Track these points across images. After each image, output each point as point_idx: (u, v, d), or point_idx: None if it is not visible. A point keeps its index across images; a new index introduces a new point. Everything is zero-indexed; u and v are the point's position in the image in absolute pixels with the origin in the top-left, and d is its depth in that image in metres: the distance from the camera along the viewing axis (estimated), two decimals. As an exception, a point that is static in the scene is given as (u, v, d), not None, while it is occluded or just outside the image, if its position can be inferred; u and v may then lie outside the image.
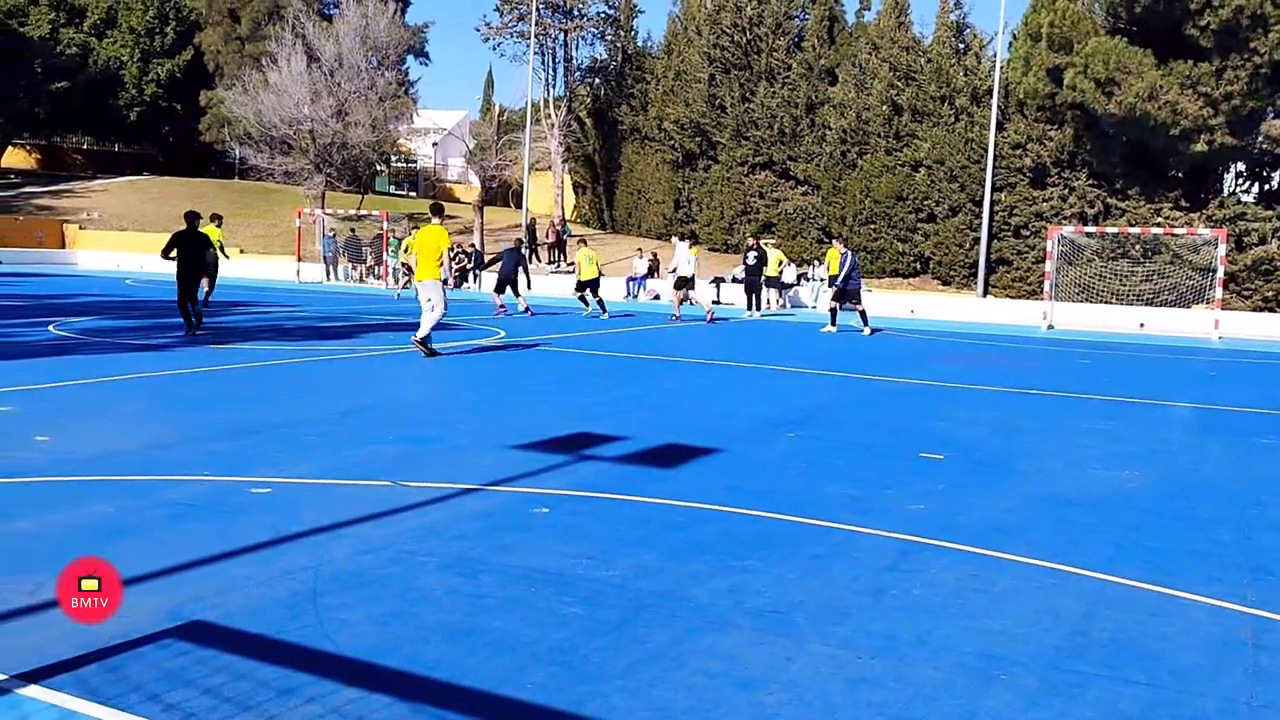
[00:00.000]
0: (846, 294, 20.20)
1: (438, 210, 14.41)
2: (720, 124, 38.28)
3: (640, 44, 45.60)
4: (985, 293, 30.18)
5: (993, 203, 30.11)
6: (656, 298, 30.04)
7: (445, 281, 13.67)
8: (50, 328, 15.13)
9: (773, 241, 31.19)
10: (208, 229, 22.13)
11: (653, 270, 31.54)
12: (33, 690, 3.25)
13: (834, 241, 28.46)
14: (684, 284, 22.35)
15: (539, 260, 38.93)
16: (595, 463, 7.09)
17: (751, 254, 25.52)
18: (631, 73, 43.24)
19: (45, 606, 4.01)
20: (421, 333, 13.31)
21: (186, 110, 54.31)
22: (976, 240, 30.90)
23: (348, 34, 41.78)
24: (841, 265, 20.01)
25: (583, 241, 25.16)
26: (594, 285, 23.03)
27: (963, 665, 3.84)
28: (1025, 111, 30.85)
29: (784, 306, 28.91)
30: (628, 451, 7.47)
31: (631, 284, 30.95)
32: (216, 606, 4.07)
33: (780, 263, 28.29)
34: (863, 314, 20.14)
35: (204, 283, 16.68)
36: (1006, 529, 5.79)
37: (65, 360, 11.67)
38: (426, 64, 78.76)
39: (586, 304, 23.14)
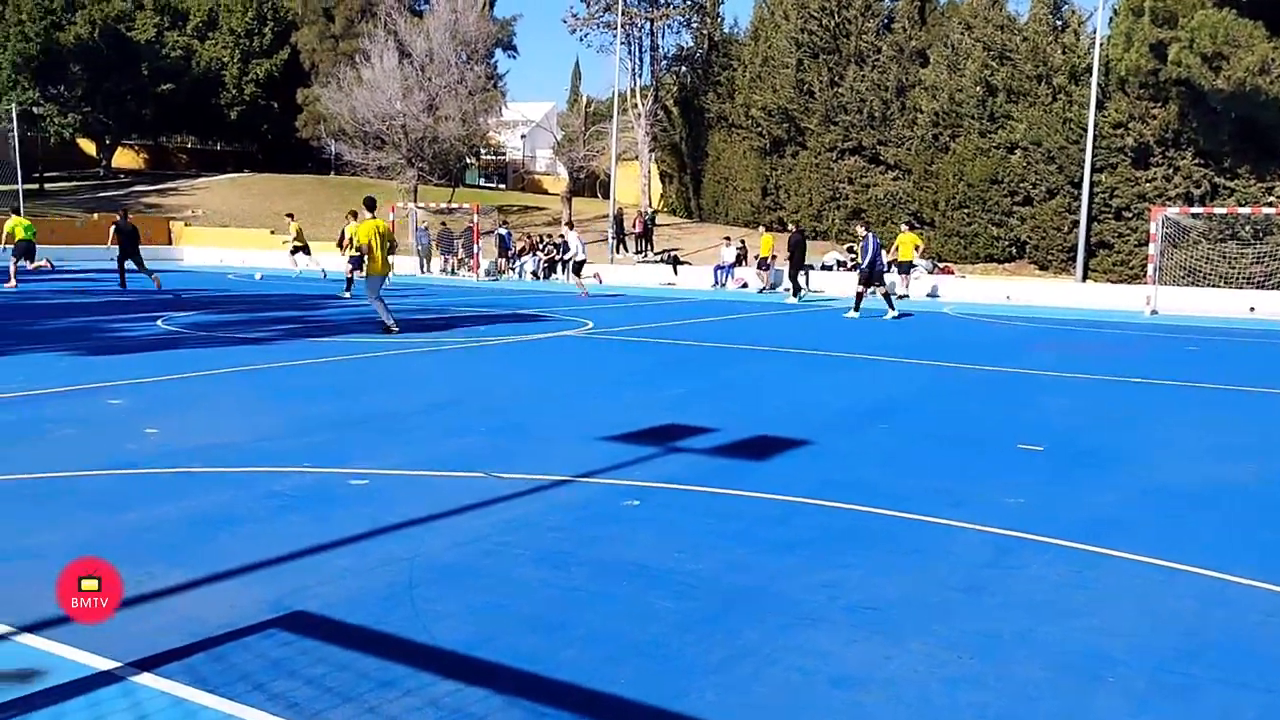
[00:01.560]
0: (874, 277, 20.09)
1: (370, 204, 15.75)
2: (808, 109, 37.82)
3: (726, 31, 45.31)
4: (1085, 277, 29.26)
5: (1092, 184, 29.14)
6: (744, 286, 29.87)
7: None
8: (158, 322, 15.70)
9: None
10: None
11: (740, 258, 31.36)
12: (145, 678, 3.37)
13: (902, 226, 28.04)
14: (579, 267, 25.89)
15: (626, 250, 39.02)
16: (685, 455, 7.08)
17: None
18: (718, 60, 42.99)
19: (156, 596, 4.16)
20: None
21: (284, 108, 55.82)
22: (1075, 223, 29.96)
23: (438, 29, 42.39)
24: (865, 249, 19.93)
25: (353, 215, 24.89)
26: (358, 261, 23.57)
27: (1067, 665, 3.73)
28: (1127, 89, 29.76)
29: (873, 294, 28.43)
30: (718, 443, 7.44)
31: (719, 272, 30.82)
32: (318, 597, 4.17)
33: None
34: (887, 297, 20.10)
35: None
36: (1111, 523, 5.60)
37: (172, 354, 12.09)
38: (514, 57, 79.66)
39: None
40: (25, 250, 24.24)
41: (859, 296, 20.15)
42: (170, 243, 42.07)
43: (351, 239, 21.18)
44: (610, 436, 7.58)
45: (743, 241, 32.70)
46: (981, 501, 6.01)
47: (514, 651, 3.70)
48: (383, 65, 41.34)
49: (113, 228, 23.69)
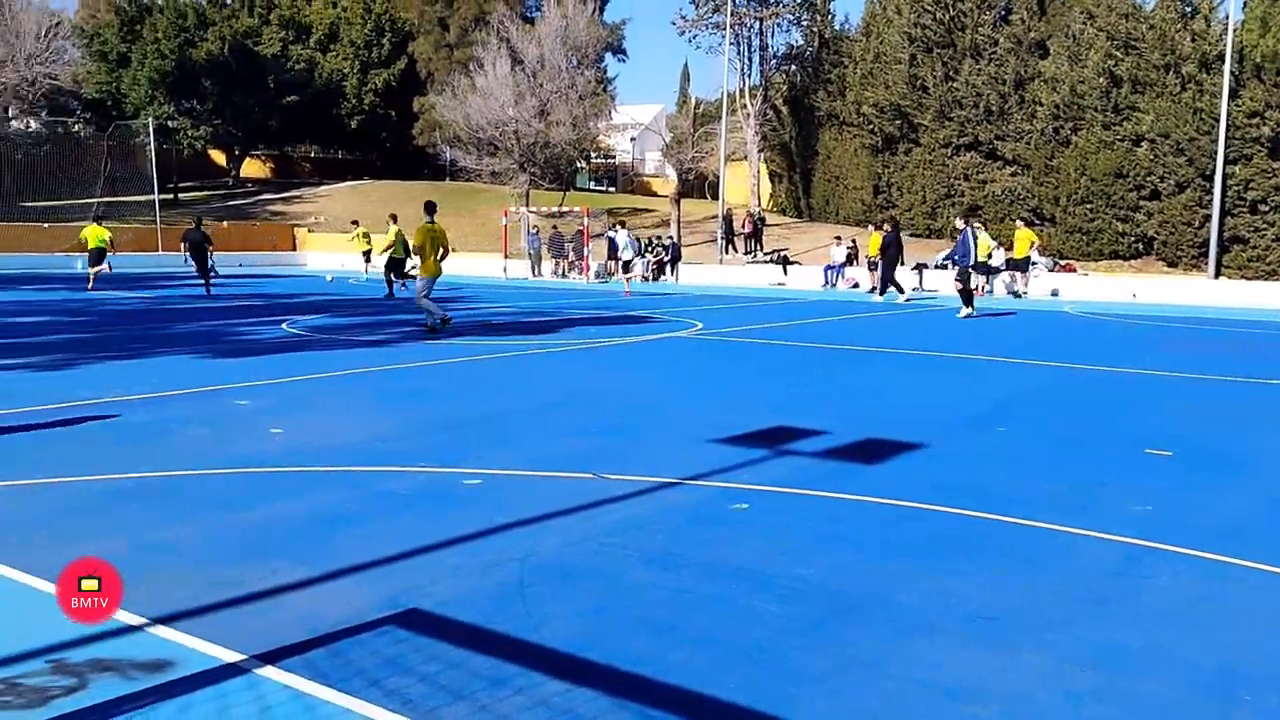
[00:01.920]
0: (962, 272, 19.51)
1: (430, 209, 16.05)
2: (922, 105, 37.07)
3: (837, 28, 44.75)
4: (1217, 274, 27.91)
5: (1225, 176, 27.76)
6: (855, 286, 29.43)
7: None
8: (283, 325, 16.30)
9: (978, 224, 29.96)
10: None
11: (851, 258, 30.91)
12: (268, 671, 3.49)
13: (1018, 223, 27.15)
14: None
15: (735, 251, 38.87)
16: (794, 457, 7.00)
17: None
18: (828, 57, 42.50)
19: (279, 591, 4.31)
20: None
21: (401, 117, 57.45)
22: (1207, 218, 28.60)
23: (549, 35, 42.99)
24: (959, 244, 19.38)
25: (393, 218, 25.60)
26: (398, 264, 24.51)
27: (1198, 682, 3.55)
28: (1263, 76, 28.30)
29: (990, 292, 27.72)
30: (827, 446, 7.34)
31: (829, 272, 30.44)
32: (431, 595, 4.26)
33: (989, 248, 27.18)
34: (967, 294, 19.51)
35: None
36: (1246, 532, 5.33)
37: (296, 356, 12.54)
38: (624, 60, 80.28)
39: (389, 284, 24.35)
40: (97, 257, 25.94)
41: (964, 293, 19.65)
42: (294, 248, 43.67)
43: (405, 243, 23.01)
44: (718, 439, 7.55)
45: (853, 241, 32.23)
46: (1105, 508, 5.78)
47: (623, 653, 3.71)
48: (495, 72, 42.12)
49: (185, 240, 25.88)
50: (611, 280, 34.37)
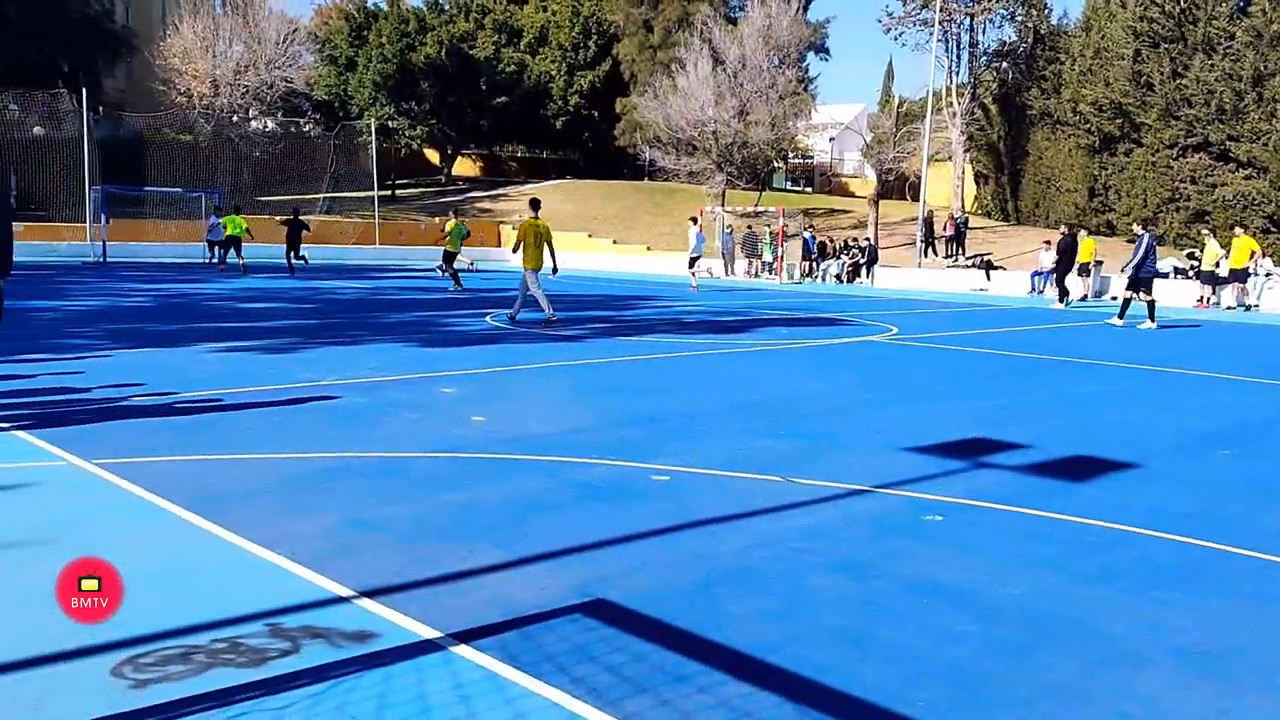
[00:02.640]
0: (1141, 282, 18.35)
1: (534, 205, 16.98)
2: (1146, 103, 34.84)
3: (1054, 23, 42.66)
4: None
5: None
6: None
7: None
8: (487, 319, 16.96)
9: (1208, 230, 27.90)
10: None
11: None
12: (463, 649, 3.63)
13: (1238, 230, 25.07)
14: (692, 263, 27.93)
15: (935, 254, 37.69)
16: (994, 471, 6.71)
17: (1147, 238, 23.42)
18: (1043, 53, 40.59)
19: (477, 572, 4.49)
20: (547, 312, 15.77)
21: (603, 117, 58.71)
22: None
23: (751, 35, 42.92)
24: (1137, 250, 18.20)
25: (455, 211, 26.69)
26: (450, 257, 25.26)
27: None
28: None
29: (1218, 304, 25.77)
30: (1030, 461, 7.00)
31: (1037, 278, 29.06)
32: (618, 587, 4.32)
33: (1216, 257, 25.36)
34: (1151, 304, 18.36)
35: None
36: None
37: (497, 348, 13.03)
38: (826, 59, 79.33)
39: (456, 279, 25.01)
40: (232, 243, 29.40)
41: (1125, 302, 18.76)
42: (499, 245, 45.36)
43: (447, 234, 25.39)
44: (911, 447, 7.33)
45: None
46: (1348, 545, 5.26)
47: (808, 661, 3.66)
48: (697, 73, 42.41)
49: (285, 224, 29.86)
50: (806, 281, 34.00)
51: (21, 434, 7.02)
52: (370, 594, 4.14)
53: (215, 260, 31.07)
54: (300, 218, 29.86)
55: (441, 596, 4.19)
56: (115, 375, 9.72)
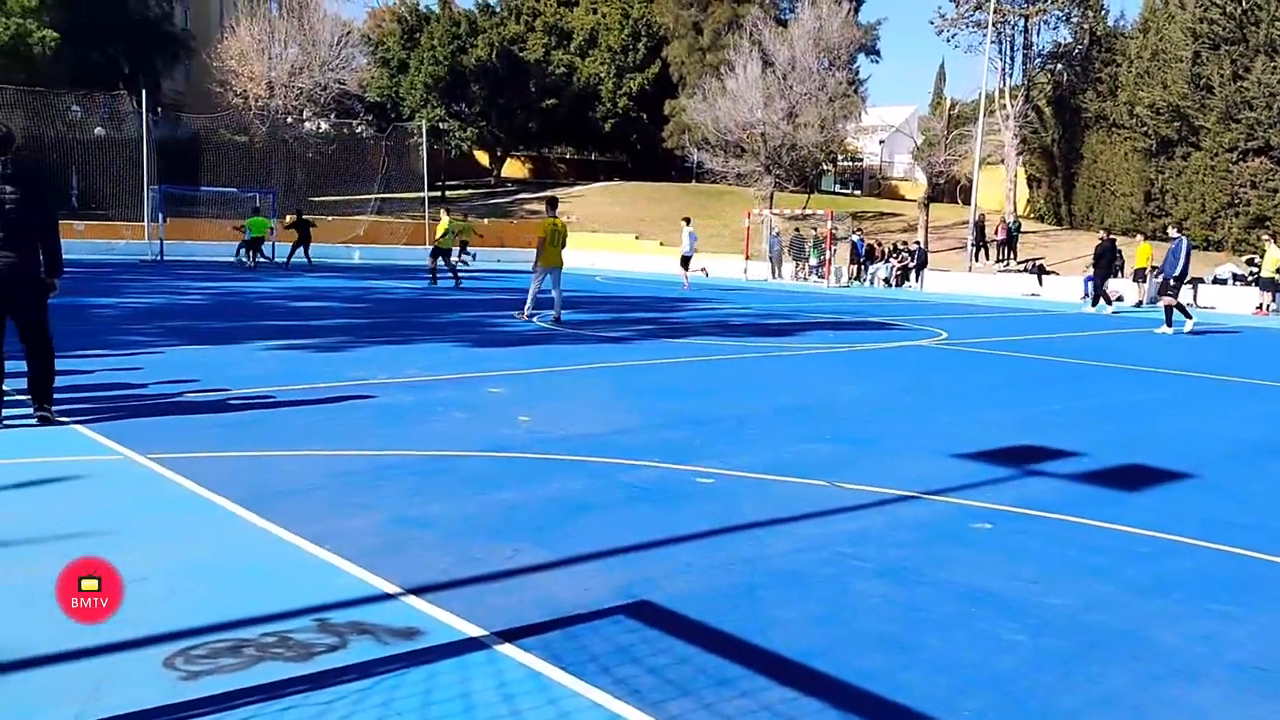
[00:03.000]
0: (1171, 286, 18.22)
1: (551, 204, 17.99)
2: (1205, 106, 34.16)
3: (1110, 24, 41.99)
4: None
5: None
6: (1119, 299, 27.50)
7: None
8: (534, 319, 17.05)
9: (1268, 235, 27.29)
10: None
11: (1118, 269, 28.89)
12: (507, 648, 3.66)
13: (1263, 237, 24.64)
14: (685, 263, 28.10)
15: (986, 259, 37.24)
16: (1044, 479, 6.62)
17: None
18: (1099, 55, 39.97)
19: (521, 571, 4.51)
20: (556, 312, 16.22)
21: (652, 119, 58.79)
22: None
23: (801, 37, 42.72)
24: (1175, 254, 18.01)
25: (447, 209, 27.03)
26: (444, 253, 25.36)
27: None
28: None
29: (1276, 311, 25.21)
30: (1082, 469, 6.89)
31: (1089, 284, 28.58)
32: (662, 589, 4.32)
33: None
34: (1182, 308, 18.33)
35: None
36: None
37: (545, 349, 13.09)
38: (877, 61, 78.68)
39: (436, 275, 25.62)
40: (255, 242, 31.04)
41: (1169, 309, 18.37)
42: (547, 246, 45.54)
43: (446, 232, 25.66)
44: (960, 454, 7.25)
45: (1119, 251, 30.13)
46: None
47: (852, 667, 3.63)
48: (746, 75, 42.30)
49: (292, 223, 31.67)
50: (854, 285, 33.77)
51: (81, 428, 7.18)
52: (417, 591, 4.17)
53: (248, 262, 31.75)
54: (305, 218, 31.94)
55: (487, 595, 4.22)
56: (170, 371, 9.91)
